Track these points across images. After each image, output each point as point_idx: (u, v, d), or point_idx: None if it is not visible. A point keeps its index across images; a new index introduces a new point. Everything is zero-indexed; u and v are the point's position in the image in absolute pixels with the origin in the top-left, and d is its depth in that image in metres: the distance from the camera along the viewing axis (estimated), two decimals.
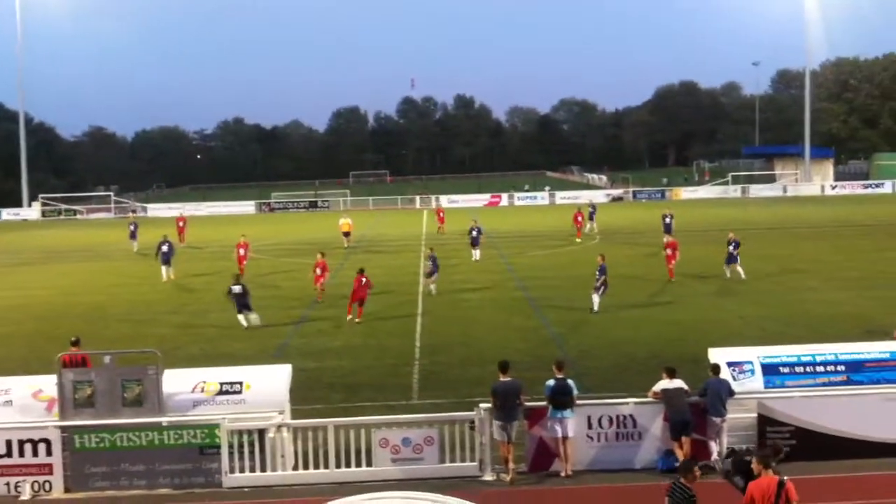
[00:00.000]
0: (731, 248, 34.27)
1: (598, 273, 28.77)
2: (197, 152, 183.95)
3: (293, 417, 16.14)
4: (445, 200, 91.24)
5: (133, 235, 53.23)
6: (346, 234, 51.35)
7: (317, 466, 15.43)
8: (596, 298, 28.52)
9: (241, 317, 27.92)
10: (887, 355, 16.40)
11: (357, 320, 27.92)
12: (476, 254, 41.85)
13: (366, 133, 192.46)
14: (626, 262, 39.31)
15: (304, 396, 17.84)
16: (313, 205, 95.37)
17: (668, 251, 35.04)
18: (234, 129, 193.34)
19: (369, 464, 15.37)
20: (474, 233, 43.93)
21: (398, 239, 55.72)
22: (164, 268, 39.51)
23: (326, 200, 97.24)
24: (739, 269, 33.96)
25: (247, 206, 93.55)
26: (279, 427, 15.48)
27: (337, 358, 23.85)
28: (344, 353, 24.22)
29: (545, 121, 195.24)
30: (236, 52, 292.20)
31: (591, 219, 55.54)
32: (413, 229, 62.63)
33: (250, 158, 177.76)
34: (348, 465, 15.38)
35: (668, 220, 47.00)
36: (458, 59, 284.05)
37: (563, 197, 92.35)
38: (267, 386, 16.06)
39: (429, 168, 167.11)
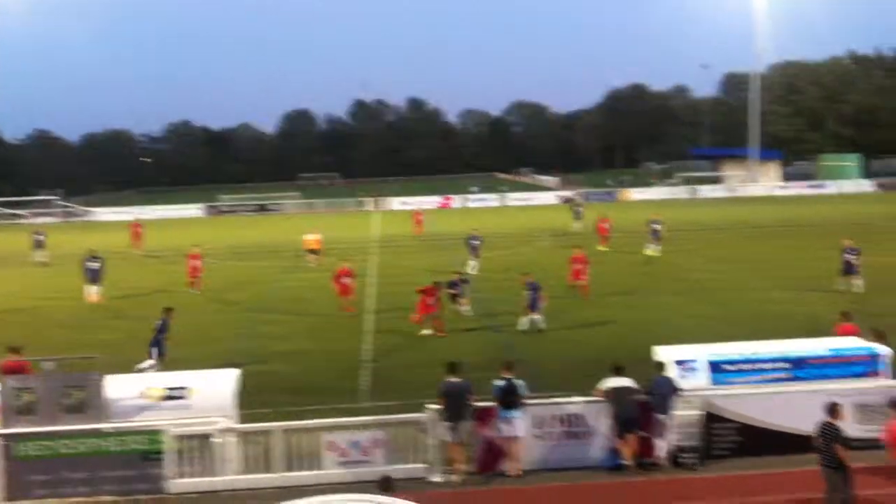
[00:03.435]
0: (850, 256, 30.84)
1: (528, 291, 26.53)
2: (144, 155, 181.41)
3: (240, 422, 15.96)
4: (398, 202, 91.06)
5: (39, 245, 49.33)
6: (313, 252, 43.87)
7: (264, 470, 15.29)
8: (529, 319, 26.28)
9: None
10: (829, 352, 16.69)
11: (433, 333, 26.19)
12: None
13: (316, 135, 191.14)
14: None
15: (251, 401, 17.63)
16: (263, 208, 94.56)
17: (578, 266, 31.91)
18: (182, 132, 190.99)
19: (317, 467, 15.26)
20: (475, 242, 39.72)
21: (349, 242, 55.42)
22: (90, 287, 34.49)
23: (276, 203, 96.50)
24: (859, 281, 30.51)
25: (195, 210, 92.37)
26: (225, 432, 15.30)
27: (285, 362, 23.66)
28: (293, 358, 24.03)
29: (497, 123, 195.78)
30: (184, 53, 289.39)
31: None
32: (364, 232, 62.37)
33: (198, 161, 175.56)
34: (296, 468, 15.26)
35: (656, 227, 43.34)
36: (410, 62, 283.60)
37: (514, 199, 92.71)
38: (213, 391, 15.87)
39: (380, 170, 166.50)
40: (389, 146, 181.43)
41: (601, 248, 44.21)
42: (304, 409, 18.18)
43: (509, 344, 24.45)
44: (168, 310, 23.05)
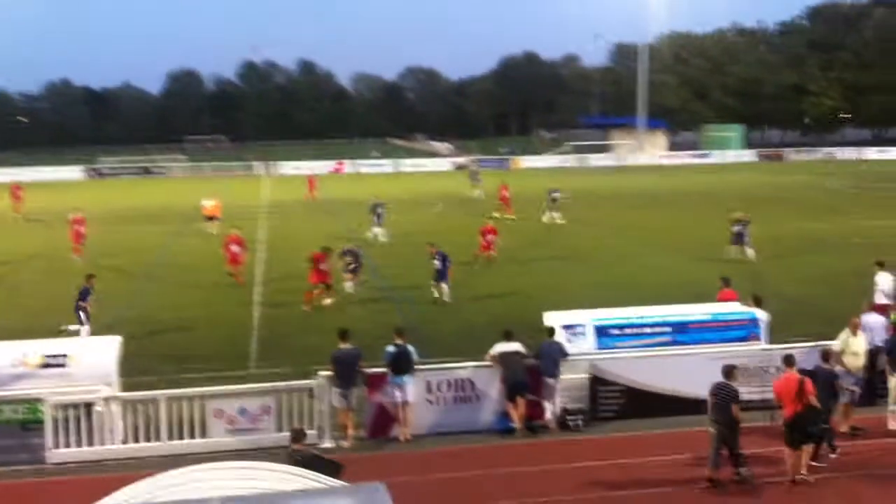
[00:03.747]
0: (737, 227, 31.65)
1: (437, 261, 25.81)
2: (21, 115, 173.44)
3: (123, 390, 15.54)
4: (289, 167, 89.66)
5: None
6: (211, 219, 41.29)
7: (148, 439, 14.98)
8: (441, 288, 25.75)
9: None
10: (709, 317, 17.27)
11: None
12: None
13: (203, 97, 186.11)
14: (466, 231, 39.78)
15: (135, 368, 17.20)
16: (147, 171, 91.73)
17: (490, 237, 31.33)
18: (62, 91, 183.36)
19: (204, 435, 15.00)
20: (380, 209, 38.20)
21: (238, 208, 54.30)
22: None
23: (161, 166, 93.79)
24: (750, 250, 31.17)
25: (74, 172, 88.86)
26: (107, 400, 14.88)
27: (171, 329, 23.12)
28: (178, 324, 23.52)
29: (391, 88, 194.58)
30: (63, 9, 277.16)
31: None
32: (253, 197, 61.23)
33: (79, 122, 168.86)
34: (182, 437, 14.97)
35: (556, 195, 43.46)
36: (300, 24, 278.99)
37: (408, 165, 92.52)
38: (94, 358, 15.40)
39: (270, 133, 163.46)
40: (280, 109, 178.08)
41: (497, 215, 44.04)
42: (190, 376, 17.84)
43: (403, 313, 24.48)
44: (90, 276, 22.62)
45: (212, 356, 20.35)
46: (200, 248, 36.31)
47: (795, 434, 13.25)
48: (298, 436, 11.94)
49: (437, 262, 25.80)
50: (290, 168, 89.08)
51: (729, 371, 13.64)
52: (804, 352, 16.17)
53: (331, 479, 10.40)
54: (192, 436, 15.04)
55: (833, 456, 14.09)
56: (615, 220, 44.31)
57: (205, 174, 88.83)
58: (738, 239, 31.32)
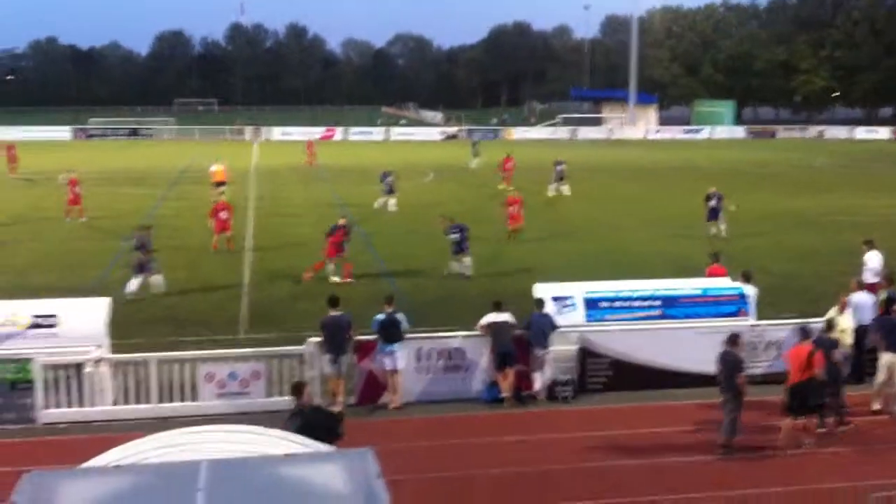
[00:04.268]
0: (712, 202, 31.19)
1: (454, 234, 24.89)
2: (6, 73, 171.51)
3: (114, 352, 15.54)
4: (278, 132, 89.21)
5: None
6: (220, 184, 38.62)
7: (138, 401, 15.00)
8: (463, 262, 24.81)
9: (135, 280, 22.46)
10: (699, 292, 17.35)
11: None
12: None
13: (191, 59, 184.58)
14: (457, 201, 39.80)
15: (126, 331, 17.19)
16: (134, 132, 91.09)
17: (513, 209, 30.60)
18: (47, 49, 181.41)
19: (194, 399, 15.04)
20: (389, 178, 37.56)
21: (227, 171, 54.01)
22: None
23: (149, 128, 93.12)
24: (723, 225, 30.98)
25: (62, 132, 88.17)
26: (97, 362, 14.87)
27: (160, 292, 23.04)
28: (169, 287, 23.41)
29: (380, 55, 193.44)
30: None
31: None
32: (242, 162, 60.90)
33: (65, 81, 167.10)
34: (172, 399, 15.01)
35: (560, 168, 42.65)
36: None
37: (398, 133, 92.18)
38: (83, 319, 15.35)
39: (259, 98, 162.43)
40: (268, 73, 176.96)
41: (502, 187, 43.06)
42: (180, 339, 17.85)
43: (395, 285, 24.50)
44: (145, 227, 23.80)
45: (202, 321, 20.34)
46: (189, 210, 36.16)
47: (795, 402, 13.61)
48: (299, 388, 11.84)
49: (454, 235, 24.87)
50: (278, 133, 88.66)
51: (733, 339, 13.93)
52: (790, 328, 16.32)
53: (330, 431, 10.78)
54: (182, 399, 15.07)
55: (842, 429, 14.33)
56: (605, 192, 44.30)
57: (193, 137, 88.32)
58: (714, 214, 31.17)
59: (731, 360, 13.70)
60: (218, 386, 15.12)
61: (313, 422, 10.79)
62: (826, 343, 14.39)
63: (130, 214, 36.04)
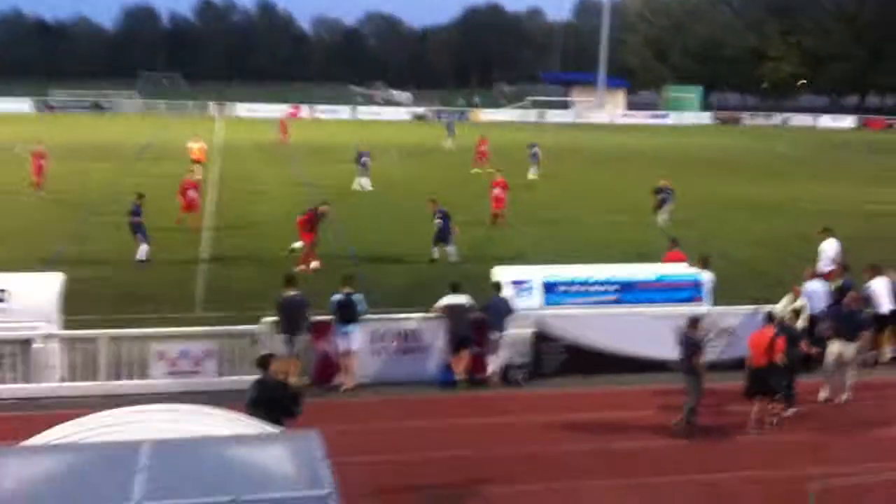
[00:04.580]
0: (661, 195, 30.73)
1: (438, 220, 24.39)
2: None
3: (64, 328, 15.32)
4: (243, 109, 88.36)
5: None
6: (197, 162, 37.13)
7: (87, 378, 14.80)
8: (439, 249, 24.35)
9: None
10: (655, 278, 17.42)
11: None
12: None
13: (159, 34, 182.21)
14: (427, 181, 39.66)
15: (77, 307, 16.93)
16: (98, 106, 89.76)
17: (497, 190, 29.98)
18: (12, 21, 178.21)
19: (144, 376, 14.89)
20: (365, 158, 36.94)
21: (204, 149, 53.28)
22: None
23: (112, 102, 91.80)
24: (664, 216, 30.35)
25: (23, 104, 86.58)
26: (46, 337, 14.66)
27: (116, 268, 22.79)
28: (123, 263, 23.15)
29: (351, 33, 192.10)
30: None
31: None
32: (206, 138, 60.12)
33: (29, 54, 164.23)
34: (121, 377, 14.84)
35: (534, 150, 42.18)
36: None
37: (366, 113, 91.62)
38: (34, 295, 15.13)
39: (226, 74, 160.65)
40: (236, 49, 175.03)
41: (476, 170, 42.85)
42: (133, 317, 17.64)
43: (358, 271, 24.38)
44: (139, 195, 24.24)
45: (156, 298, 20.12)
46: (150, 187, 35.62)
47: (753, 386, 13.90)
48: (266, 360, 11.72)
49: (438, 221, 24.33)
50: (244, 110, 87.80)
51: (692, 322, 14.17)
52: (746, 314, 16.46)
53: (287, 408, 11.05)
54: (131, 377, 14.91)
55: (789, 412, 14.50)
56: (571, 176, 44.23)
57: (158, 112, 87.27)
58: (662, 205, 30.49)
59: (689, 342, 13.87)
60: (169, 364, 14.96)
61: (272, 395, 11.12)
62: (790, 331, 14.53)
63: (90, 188, 35.60)
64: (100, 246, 25.37)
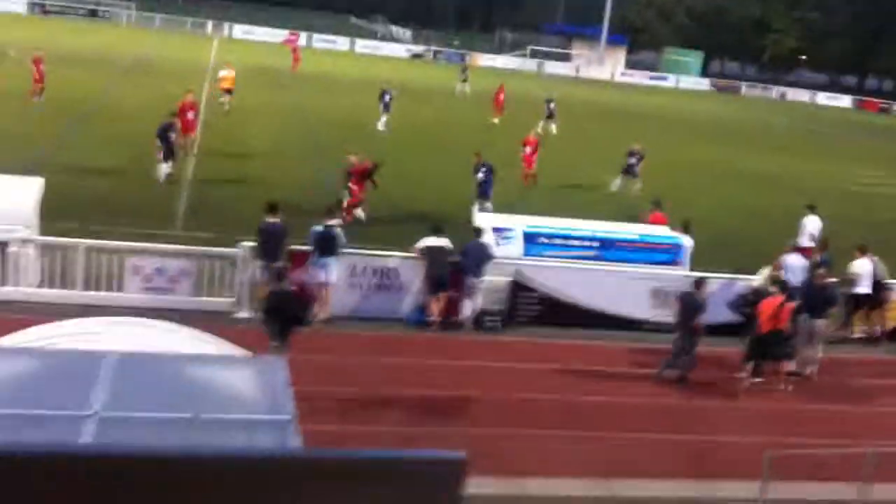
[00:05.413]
0: (631, 159, 29.00)
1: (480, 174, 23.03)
2: None
3: (43, 234, 15.24)
4: (240, 31, 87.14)
5: None
6: (228, 92, 36.30)
7: (63, 286, 14.77)
8: (485, 206, 22.42)
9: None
10: (636, 237, 17.48)
11: None
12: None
13: None
14: (417, 120, 39.39)
15: (57, 214, 16.85)
16: (94, 13, 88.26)
17: (528, 149, 28.32)
18: None
19: (120, 289, 14.87)
20: (388, 96, 36.06)
21: (182, 62, 52.67)
22: None
23: (108, 11, 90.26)
24: (637, 184, 28.57)
25: (16, 5, 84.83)
26: (23, 242, 14.58)
27: (100, 177, 22.63)
28: (109, 174, 23.02)
29: None
30: None
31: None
32: (200, 56, 59.40)
33: None
34: (97, 288, 14.82)
35: (551, 105, 41.62)
36: None
37: (363, 46, 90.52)
38: (12, 198, 15.03)
39: None
40: None
41: (495, 120, 42.33)
42: (112, 228, 17.56)
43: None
44: (173, 114, 24.25)
45: (138, 212, 20.02)
46: (146, 99, 35.25)
47: (755, 349, 14.48)
48: (280, 273, 12.97)
49: (480, 175, 23.03)
50: (240, 32, 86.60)
51: (697, 283, 14.70)
52: (723, 283, 16.56)
53: (297, 316, 12.29)
54: (107, 288, 14.89)
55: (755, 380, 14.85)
56: (562, 131, 43.82)
57: (154, 25, 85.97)
58: (629, 170, 28.79)
59: (690, 302, 14.37)
60: (144, 280, 14.95)
61: (284, 305, 12.34)
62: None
63: (80, 97, 35.17)
64: (83, 153, 25.14)
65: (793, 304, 14.51)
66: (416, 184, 26.45)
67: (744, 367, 14.64)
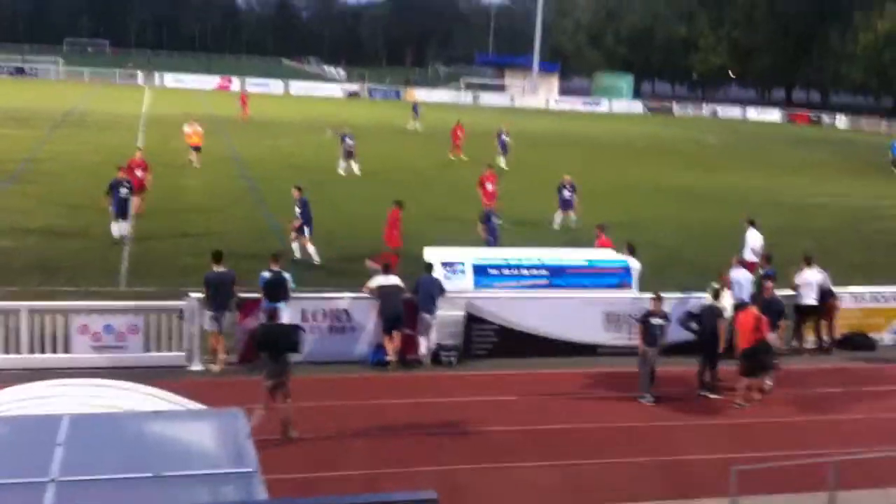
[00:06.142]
0: (566, 192, 27.55)
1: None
2: None
3: None
4: (171, 79, 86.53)
5: None
6: (196, 149, 34.93)
7: (7, 351, 14.37)
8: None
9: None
10: (585, 263, 17.59)
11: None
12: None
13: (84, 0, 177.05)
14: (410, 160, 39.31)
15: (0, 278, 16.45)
16: (20, 71, 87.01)
17: (489, 186, 27.27)
18: None
19: (67, 350, 14.52)
20: (350, 140, 35.35)
21: (114, 115, 52.10)
22: None
23: (35, 68, 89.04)
24: (573, 215, 27.52)
25: None
26: None
27: (37, 238, 22.14)
28: (45, 234, 22.52)
29: (283, 5, 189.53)
30: None
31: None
32: (131, 107, 58.80)
33: None
34: (43, 350, 14.46)
35: (503, 136, 41.28)
36: None
37: (299, 88, 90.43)
38: None
39: (154, 42, 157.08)
40: (165, 17, 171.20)
41: (452, 157, 42.10)
42: (55, 289, 17.18)
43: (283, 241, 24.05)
44: (119, 168, 23.43)
45: (80, 270, 19.62)
46: (72, 155, 34.73)
47: (749, 363, 14.76)
48: (272, 314, 13.73)
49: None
50: (171, 80, 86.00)
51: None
52: (672, 303, 16.70)
53: (292, 344, 12.64)
54: (54, 350, 14.53)
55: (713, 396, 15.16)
56: (537, 163, 43.59)
57: (83, 79, 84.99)
58: (566, 205, 27.56)
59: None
60: (93, 339, 14.61)
61: (276, 337, 12.85)
62: (776, 305, 15.95)
63: (10, 156, 34.50)
64: (18, 215, 24.61)
65: (766, 318, 14.87)
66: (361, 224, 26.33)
67: (741, 382, 14.87)
